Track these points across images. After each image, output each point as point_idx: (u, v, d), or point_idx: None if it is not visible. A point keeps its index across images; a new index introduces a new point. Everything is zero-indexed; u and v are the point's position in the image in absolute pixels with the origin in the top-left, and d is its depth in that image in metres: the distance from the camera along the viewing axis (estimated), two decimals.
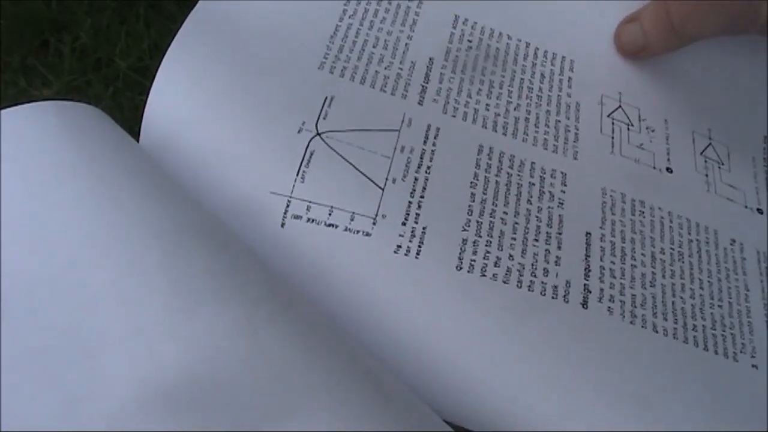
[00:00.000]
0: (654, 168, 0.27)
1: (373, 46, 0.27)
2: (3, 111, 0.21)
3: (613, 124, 0.27)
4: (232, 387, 0.17)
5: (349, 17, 0.27)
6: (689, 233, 0.25)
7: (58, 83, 0.38)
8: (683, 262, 0.24)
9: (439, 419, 0.20)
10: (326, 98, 0.25)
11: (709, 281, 0.24)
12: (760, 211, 0.27)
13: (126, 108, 0.36)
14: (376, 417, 0.17)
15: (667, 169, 0.27)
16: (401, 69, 0.26)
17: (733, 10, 0.27)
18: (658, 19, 0.28)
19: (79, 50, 0.39)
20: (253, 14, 0.27)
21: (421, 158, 0.24)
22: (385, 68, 0.26)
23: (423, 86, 0.26)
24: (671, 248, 0.24)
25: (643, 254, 0.24)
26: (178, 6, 0.41)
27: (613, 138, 0.27)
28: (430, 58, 0.27)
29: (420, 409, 0.19)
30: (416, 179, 0.24)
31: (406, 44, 0.27)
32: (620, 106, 0.28)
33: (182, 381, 0.16)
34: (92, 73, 0.38)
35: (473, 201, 0.23)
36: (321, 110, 0.24)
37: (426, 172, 0.24)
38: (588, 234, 0.24)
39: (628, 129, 0.27)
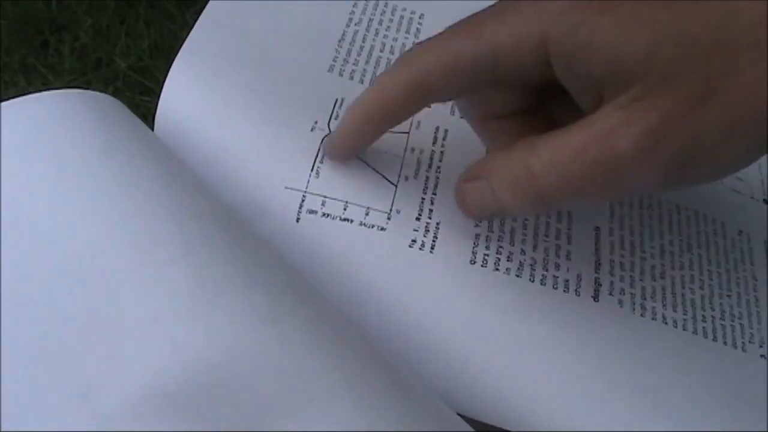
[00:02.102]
0: None
1: (380, 51, 0.27)
2: (28, 97, 0.21)
3: None
4: (252, 376, 0.17)
5: (355, 24, 0.28)
6: (697, 225, 0.25)
7: (58, 83, 0.37)
8: (692, 253, 0.25)
9: (452, 412, 0.20)
10: (337, 100, 0.25)
11: (718, 272, 0.24)
12: (766, 201, 0.27)
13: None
14: (392, 411, 0.17)
15: None
16: None
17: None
18: (516, 185, 0.19)
19: (79, 50, 0.38)
20: (262, 16, 0.27)
21: (431, 158, 0.24)
22: None
23: None
24: (680, 240, 0.25)
25: (652, 247, 0.24)
26: (178, 6, 0.41)
27: None
28: None
29: (434, 403, 0.19)
30: (428, 178, 0.24)
31: None
32: None
33: (202, 370, 0.16)
34: (92, 73, 0.38)
35: None
36: (332, 111, 0.25)
37: (437, 171, 0.24)
38: (597, 228, 0.24)
39: None
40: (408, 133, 0.25)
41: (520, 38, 0.18)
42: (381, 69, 0.27)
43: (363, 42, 0.27)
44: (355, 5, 0.29)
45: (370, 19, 0.28)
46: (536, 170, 0.18)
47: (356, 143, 0.23)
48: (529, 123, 0.21)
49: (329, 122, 0.24)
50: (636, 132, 0.17)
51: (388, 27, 0.28)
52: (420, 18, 0.29)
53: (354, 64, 0.27)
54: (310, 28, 0.27)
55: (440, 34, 0.20)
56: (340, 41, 0.27)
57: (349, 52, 0.27)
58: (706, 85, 0.16)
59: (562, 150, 0.18)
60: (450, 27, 0.20)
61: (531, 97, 0.21)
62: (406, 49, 0.27)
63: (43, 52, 0.38)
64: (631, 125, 0.17)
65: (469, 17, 0.19)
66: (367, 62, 0.27)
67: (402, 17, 0.29)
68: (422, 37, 0.28)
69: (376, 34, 0.28)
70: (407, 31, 0.28)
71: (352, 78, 0.26)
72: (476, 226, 0.23)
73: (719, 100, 0.16)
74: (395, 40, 0.28)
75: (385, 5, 0.29)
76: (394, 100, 0.20)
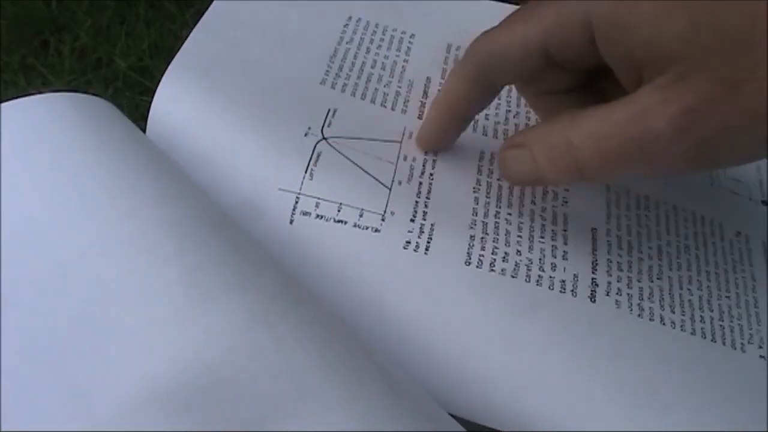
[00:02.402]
0: None
1: (372, 67, 0.28)
2: (22, 100, 0.21)
3: None
4: (248, 378, 0.17)
5: (347, 43, 0.28)
6: (695, 226, 0.25)
7: (58, 83, 0.37)
8: (690, 254, 0.24)
9: (447, 415, 0.20)
10: (329, 110, 0.25)
11: (716, 273, 0.24)
12: (764, 203, 0.27)
13: (126, 108, 0.36)
14: (387, 412, 0.17)
15: None
16: (400, 87, 0.27)
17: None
18: (555, 155, 0.20)
19: (79, 50, 0.39)
20: (258, 25, 0.27)
21: (424, 166, 0.25)
22: (384, 86, 0.27)
23: (422, 101, 0.27)
24: (677, 241, 0.25)
25: (649, 247, 0.24)
26: (178, 6, 0.41)
27: None
28: (428, 77, 0.28)
29: (428, 403, 0.19)
30: (421, 183, 0.24)
31: (402, 66, 0.28)
32: None
33: (197, 372, 0.16)
34: (92, 73, 0.38)
35: (477, 204, 0.24)
36: (325, 120, 0.25)
37: (429, 178, 0.24)
38: (594, 230, 0.24)
39: None
40: (400, 142, 0.25)
41: (566, 21, 0.19)
42: (373, 84, 0.27)
43: (354, 59, 0.28)
44: (346, 25, 0.29)
45: (362, 38, 0.29)
46: (575, 142, 0.19)
47: (443, 132, 0.24)
48: (581, 99, 0.22)
49: (322, 129, 0.24)
50: (673, 112, 0.17)
51: (380, 45, 0.29)
52: (411, 38, 0.29)
53: (346, 78, 0.27)
54: (302, 43, 0.28)
55: (500, 23, 0.21)
56: (332, 57, 0.27)
57: (340, 68, 0.27)
58: (741, 71, 0.17)
59: (601, 124, 0.19)
60: (508, 16, 0.21)
61: (583, 76, 0.22)
62: (398, 65, 0.28)
63: (43, 52, 0.38)
64: (668, 105, 0.17)
65: (523, 6, 0.21)
66: (358, 77, 0.27)
67: (393, 36, 0.29)
68: (413, 54, 0.29)
69: (367, 51, 0.28)
70: (398, 50, 0.29)
71: (344, 91, 0.26)
72: (471, 227, 0.23)
73: (752, 88, 0.16)
74: (386, 57, 0.28)
75: (376, 26, 0.29)
76: (464, 90, 0.22)
